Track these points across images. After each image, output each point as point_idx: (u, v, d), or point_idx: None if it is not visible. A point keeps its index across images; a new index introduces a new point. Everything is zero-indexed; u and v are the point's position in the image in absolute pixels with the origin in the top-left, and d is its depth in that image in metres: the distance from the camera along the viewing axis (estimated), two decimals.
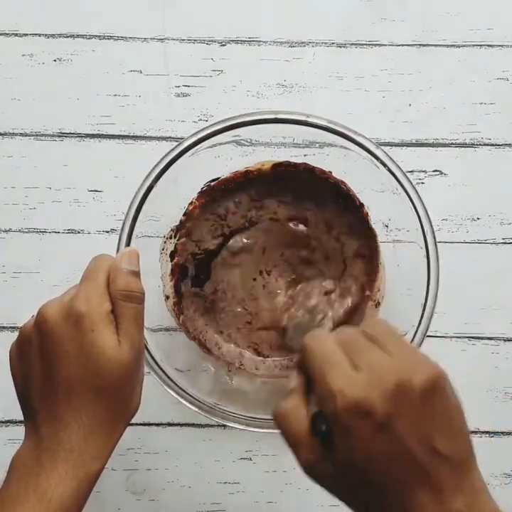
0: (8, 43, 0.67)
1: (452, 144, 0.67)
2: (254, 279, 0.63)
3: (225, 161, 0.61)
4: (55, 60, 0.67)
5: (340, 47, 0.67)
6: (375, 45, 0.67)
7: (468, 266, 0.66)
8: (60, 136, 0.67)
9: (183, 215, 0.62)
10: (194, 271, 0.63)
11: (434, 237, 0.57)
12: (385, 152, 0.57)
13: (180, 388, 0.57)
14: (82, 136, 0.67)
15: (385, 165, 0.57)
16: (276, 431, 0.58)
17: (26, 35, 0.67)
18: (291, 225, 0.63)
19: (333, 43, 0.67)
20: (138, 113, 0.67)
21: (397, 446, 0.38)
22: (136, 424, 0.65)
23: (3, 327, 0.66)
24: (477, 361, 0.66)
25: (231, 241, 0.63)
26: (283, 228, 0.63)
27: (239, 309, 0.63)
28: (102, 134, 0.67)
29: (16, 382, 0.48)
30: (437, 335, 0.65)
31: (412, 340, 0.56)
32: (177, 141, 0.57)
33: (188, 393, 0.57)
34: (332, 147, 0.59)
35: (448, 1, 0.67)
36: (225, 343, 0.63)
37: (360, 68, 0.67)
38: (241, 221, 0.63)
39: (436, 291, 0.57)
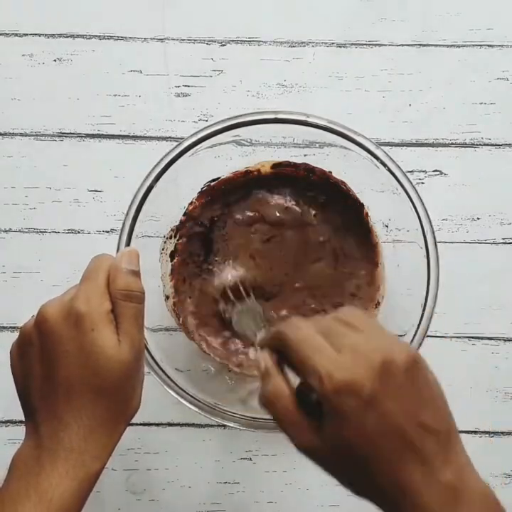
0: (8, 43, 0.67)
1: (452, 144, 0.67)
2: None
3: (225, 161, 0.61)
4: (55, 60, 0.67)
5: (340, 47, 0.67)
6: (375, 45, 0.67)
7: (468, 266, 0.66)
8: (60, 136, 0.67)
9: (183, 215, 0.62)
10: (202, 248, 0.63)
11: (434, 237, 0.57)
12: (385, 152, 0.57)
13: (180, 388, 0.57)
14: (82, 136, 0.67)
15: (385, 165, 0.57)
16: (276, 431, 0.58)
17: (26, 35, 0.67)
18: (290, 225, 0.63)
19: (333, 43, 0.67)
20: (138, 113, 0.67)
21: (386, 422, 0.39)
22: (136, 424, 0.65)
23: (3, 327, 0.66)
24: (477, 361, 0.66)
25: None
26: (282, 228, 0.63)
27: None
28: (102, 134, 0.67)
29: (16, 381, 0.48)
30: (437, 335, 0.66)
31: (412, 340, 0.56)
32: (177, 141, 0.57)
33: (188, 393, 0.57)
34: (332, 147, 0.59)
35: (448, 1, 0.67)
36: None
37: (360, 68, 0.67)
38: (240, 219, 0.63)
39: (436, 291, 0.57)
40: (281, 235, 0.63)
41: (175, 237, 0.62)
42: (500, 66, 0.67)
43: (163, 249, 0.62)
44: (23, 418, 0.48)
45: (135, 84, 0.67)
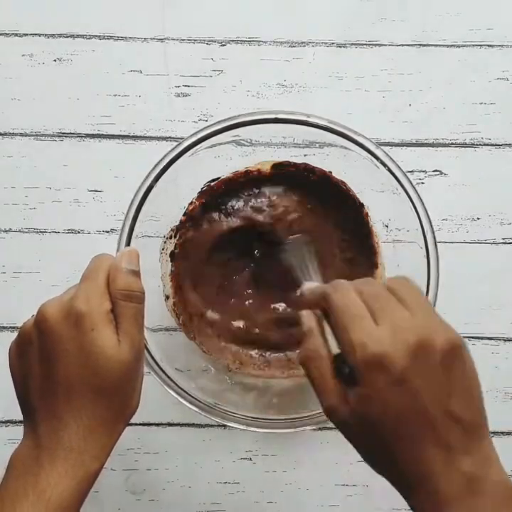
0: (8, 43, 0.67)
1: (452, 144, 0.67)
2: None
3: (225, 161, 0.61)
4: (55, 60, 0.67)
5: (340, 47, 0.67)
6: (375, 45, 0.67)
7: (468, 266, 0.66)
8: (60, 136, 0.67)
9: (183, 215, 0.62)
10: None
11: (434, 237, 0.57)
12: (385, 152, 0.57)
13: (180, 388, 0.57)
14: (82, 136, 0.67)
15: (385, 165, 0.57)
16: (277, 431, 0.58)
17: (26, 35, 0.67)
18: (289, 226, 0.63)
19: (333, 43, 0.67)
20: (138, 113, 0.67)
21: (413, 402, 0.39)
22: (136, 424, 0.65)
23: (3, 327, 0.66)
24: (477, 361, 0.65)
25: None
26: (280, 229, 0.63)
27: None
28: (102, 134, 0.67)
29: (14, 381, 0.48)
30: None
31: None
32: (177, 141, 0.57)
33: (188, 393, 0.57)
34: (332, 147, 0.59)
35: (448, 1, 0.67)
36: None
37: (360, 68, 0.67)
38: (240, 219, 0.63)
39: (436, 291, 0.57)
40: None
41: (175, 237, 0.62)
42: (500, 66, 0.67)
43: (163, 249, 0.62)
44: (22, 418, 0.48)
45: (135, 84, 0.67)
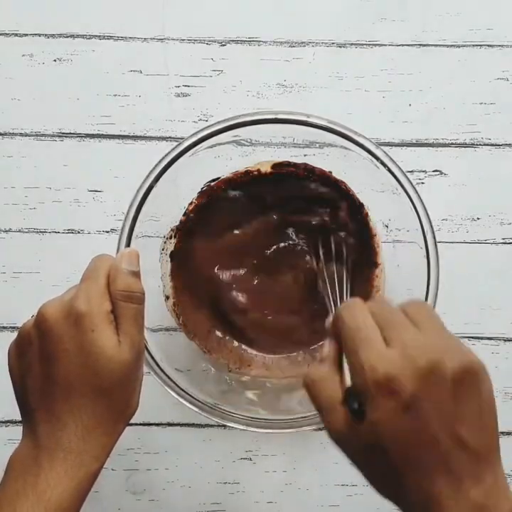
0: (8, 43, 0.67)
1: (452, 144, 0.67)
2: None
3: (225, 161, 0.61)
4: (55, 60, 0.67)
5: (340, 47, 0.67)
6: (375, 45, 0.67)
7: (468, 266, 0.66)
8: (60, 136, 0.67)
9: (183, 215, 0.62)
10: None
11: (434, 237, 0.57)
12: (385, 152, 0.57)
13: (180, 388, 0.57)
14: (82, 136, 0.67)
15: (385, 165, 0.57)
16: (277, 431, 0.58)
17: (26, 35, 0.67)
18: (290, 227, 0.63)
19: (333, 43, 0.67)
20: (138, 113, 0.67)
21: (422, 427, 0.38)
22: (136, 424, 0.65)
23: (3, 327, 0.66)
24: None
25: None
26: (281, 229, 0.63)
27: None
28: (102, 134, 0.67)
29: (14, 381, 0.48)
30: None
31: None
32: (177, 141, 0.57)
33: (188, 393, 0.57)
34: (332, 147, 0.59)
35: (448, 1, 0.67)
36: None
37: (360, 68, 0.67)
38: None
39: (436, 291, 0.57)
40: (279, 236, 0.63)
41: (175, 237, 0.62)
42: (500, 66, 0.67)
43: (163, 250, 0.62)
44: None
45: (135, 84, 0.67)
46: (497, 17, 0.67)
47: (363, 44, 0.67)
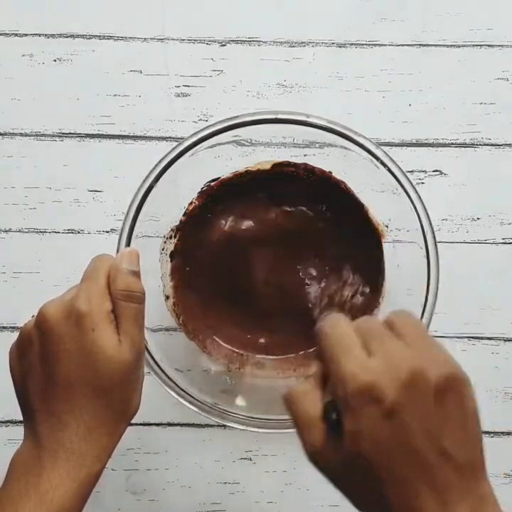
0: (8, 43, 0.67)
1: (452, 144, 0.67)
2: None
3: (225, 161, 0.61)
4: (55, 60, 0.67)
5: (340, 47, 0.67)
6: (375, 45, 0.67)
7: (468, 266, 0.66)
8: (60, 136, 0.67)
9: (183, 215, 0.62)
10: None
11: (434, 237, 0.57)
12: (385, 152, 0.57)
13: (180, 388, 0.57)
14: (82, 136, 0.67)
15: (385, 165, 0.57)
16: (277, 431, 0.58)
17: (26, 35, 0.67)
18: (290, 227, 0.63)
19: (333, 43, 0.67)
20: (138, 113, 0.67)
21: (404, 435, 0.36)
22: (136, 424, 0.65)
23: (3, 327, 0.66)
24: (477, 361, 0.66)
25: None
26: (281, 229, 0.63)
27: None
28: (102, 134, 0.67)
29: (15, 382, 0.48)
30: (437, 335, 0.65)
31: None
32: (177, 141, 0.57)
33: (188, 393, 0.57)
34: (332, 147, 0.59)
35: (448, 1, 0.67)
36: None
37: (360, 68, 0.67)
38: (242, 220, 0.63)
39: (436, 291, 0.57)
40: (279, 236, 0.63)
41: (175, 237, 0.62)
42: (500, 66, 0.67)
43: (163, 250, 0.62)
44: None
45: (135, 84, 0.67)
46: (497, 17, 0.67)
47: (363, 44, 0.67)
